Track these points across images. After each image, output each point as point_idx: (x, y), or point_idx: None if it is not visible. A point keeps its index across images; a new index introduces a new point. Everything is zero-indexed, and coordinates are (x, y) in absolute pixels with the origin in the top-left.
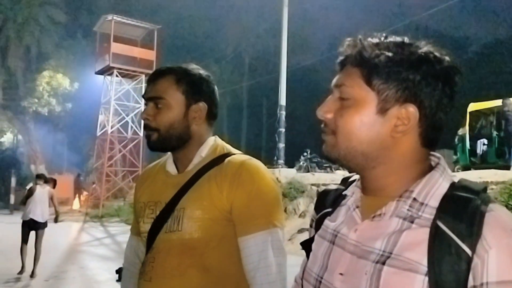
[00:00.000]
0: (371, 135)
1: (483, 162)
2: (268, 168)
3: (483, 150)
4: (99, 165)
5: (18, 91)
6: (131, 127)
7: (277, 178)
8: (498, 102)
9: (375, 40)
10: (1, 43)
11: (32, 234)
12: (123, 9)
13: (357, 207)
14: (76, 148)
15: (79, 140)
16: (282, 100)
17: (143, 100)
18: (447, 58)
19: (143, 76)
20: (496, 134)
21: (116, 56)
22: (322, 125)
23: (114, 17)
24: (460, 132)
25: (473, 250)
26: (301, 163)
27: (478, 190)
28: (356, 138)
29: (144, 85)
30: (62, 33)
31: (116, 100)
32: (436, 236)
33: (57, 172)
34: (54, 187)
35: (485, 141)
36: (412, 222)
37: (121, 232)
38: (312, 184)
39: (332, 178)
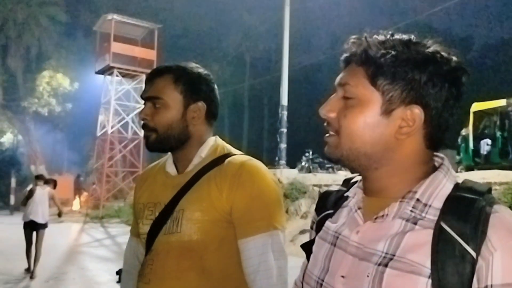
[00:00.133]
0: (375, 136)
1: (487, 163)
2: (269, 168)
3: (486, 150)
4: (99, 166)
5: (18, 91)
6: (131, 127)
7: (278, 179)
8: (501, 102)
9: (381, 38)
10: (1, 42)
11: (33, 234)
12: (123, 9)
13: (359, 208)
14: (76, 149)
15: (79, 140)
16: (284, 100)
17: (142, 100)
18: (454, 58)
19: (144, 76)
20: (500, 134)
21: (116, 56)
22: (325, 124)
23: (114, 17)
24: (463, 132)
25: (478, 252)
26: (303, 163)
27: (483, 191)
28: (359, 139)
29: (144, 85)
30: (62, 33)
31: (116, 100)
32: (439, 237)
33: (57, 173)
34: (54, 187)
35: (489, 141)
36: (415, 223)
37: (121, 233)
38: (314, 185)
39: (334, 179)
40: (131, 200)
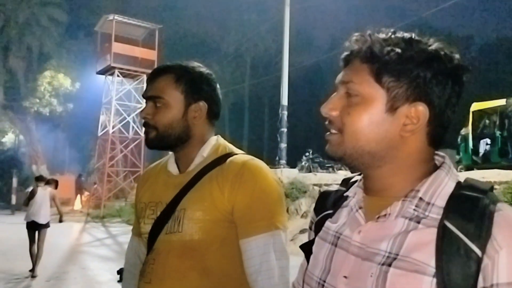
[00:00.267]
0: (380, 134)
1: (486, 162)
2: (270, 168)
3: (486, 150)
4: (101, 165)
5: (20, 91)
6: (133, 127)
7: (279, 178)
8: (501, 102)
9: (384, 36)
10: (3, 43)
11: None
12: (124, 9)
13: (360, 208)
14: (78, 148)
15: (81, 140)
16: (284, 100)
17: (144, 99)
18: (457, 55)
19: (144, 76)
20: (499, 134)
21: (117, 56)
22: (327, 123)
23: (116, 17)
24: (463, 131)
25: (483, 250)
26: (303, 163)
27: (486, 189)
28: (364, 137)
29: (145, 85)
30: (64, 33)
31: (118, 100)
32: (444, 236)
33: (59, 173)
34: (56, 187)
35: (488, 140)
36: (418, 222)
37: (123, 232)
38: (314, 184)
39: (334, 178)
40: (132, 199)
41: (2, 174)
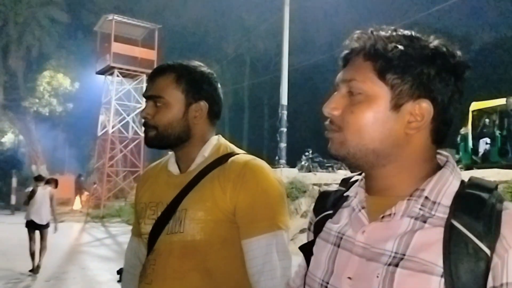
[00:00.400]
0: (384, 132)
1: (486, 162)
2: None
3: (485, 149)
4: (100, 165)
5: (19, 91)
6: (132, 127)
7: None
8: (500, 101)
9: (386, 33)
10: (2, 43)
11: (37, 232)
12: (124, 9)
13: (363, 207)
14: (77, 148)
15: (80, 140)
16: (284, 100)
17: (144, 99)
18: (458, 52)
19: (144, 76)
20: (499, 133)
21: (117, 56)
22: (327, 122)
23: (115, 17)
24: (462, 131)
25: (492, 249)
26: (303, 162)
27: (492, 187)
28: (368, 135)
29: (145, 85)
30: (63, 33)
31: (117, 100)
32: (451, 235)
33: (58, 173)
34: (56, 187)
35: (488, 140)
36: (424, 221)
37: (122, 232)
38: (314, 184)
39: (334, 178)
40: (132, 199)
41: (1, 174)
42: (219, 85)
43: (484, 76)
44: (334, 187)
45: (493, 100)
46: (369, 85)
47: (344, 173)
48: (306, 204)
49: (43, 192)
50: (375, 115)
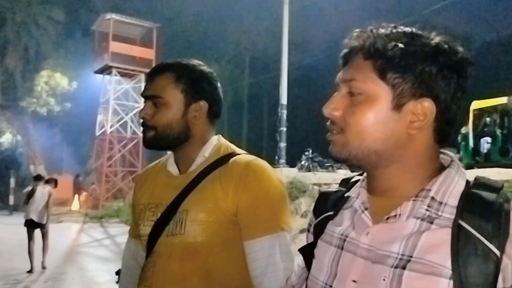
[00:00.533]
0: (386, 132)
1: (487, 161)
2: None
3: (486, 148)
4: (99, 165)
5: (17, 91)
6: (130, 127)
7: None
8: (501, 100)
9: (385, 31)
10: (0, 42)
11: (38, 231)
12: (122, 8)
13: (366, 209)
14: (75, 148)
15: (78, 140)
16: (283, 99)
17: (142, 98)
18: (460, 48)
19: (142, 75)
20: (500, 132)
21: (115, 55)
22: (328, 123)
23: (113, 16)
24: (463, 130)
25: (502, 250)
26: (303, 162)
27: (498, 187)
28: (370, 136)
29: (143, 84)
30: (61, 33)
31: (115, 100)
32: (459, 236)
33: (56, 173)
34: (55, 187)
35: (489, 139)
36: (431, 222)
37: (121, 233)
38: (314, 184)
39: (334, 178)
40: (131, 200)
41: None
42: (219, 84)
43: (485, 75)
44: (334, 188)
45: (494, 99)
46: (370, 85)
47: (344, 172)
48: (306, 204)
49: (43, 191)
50: (377, 116)
